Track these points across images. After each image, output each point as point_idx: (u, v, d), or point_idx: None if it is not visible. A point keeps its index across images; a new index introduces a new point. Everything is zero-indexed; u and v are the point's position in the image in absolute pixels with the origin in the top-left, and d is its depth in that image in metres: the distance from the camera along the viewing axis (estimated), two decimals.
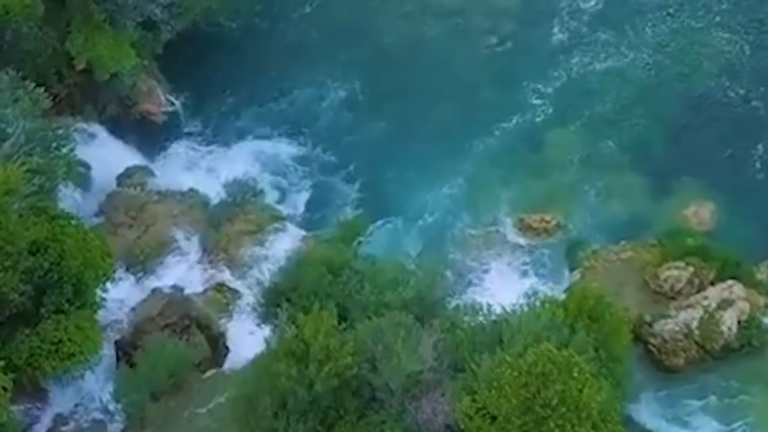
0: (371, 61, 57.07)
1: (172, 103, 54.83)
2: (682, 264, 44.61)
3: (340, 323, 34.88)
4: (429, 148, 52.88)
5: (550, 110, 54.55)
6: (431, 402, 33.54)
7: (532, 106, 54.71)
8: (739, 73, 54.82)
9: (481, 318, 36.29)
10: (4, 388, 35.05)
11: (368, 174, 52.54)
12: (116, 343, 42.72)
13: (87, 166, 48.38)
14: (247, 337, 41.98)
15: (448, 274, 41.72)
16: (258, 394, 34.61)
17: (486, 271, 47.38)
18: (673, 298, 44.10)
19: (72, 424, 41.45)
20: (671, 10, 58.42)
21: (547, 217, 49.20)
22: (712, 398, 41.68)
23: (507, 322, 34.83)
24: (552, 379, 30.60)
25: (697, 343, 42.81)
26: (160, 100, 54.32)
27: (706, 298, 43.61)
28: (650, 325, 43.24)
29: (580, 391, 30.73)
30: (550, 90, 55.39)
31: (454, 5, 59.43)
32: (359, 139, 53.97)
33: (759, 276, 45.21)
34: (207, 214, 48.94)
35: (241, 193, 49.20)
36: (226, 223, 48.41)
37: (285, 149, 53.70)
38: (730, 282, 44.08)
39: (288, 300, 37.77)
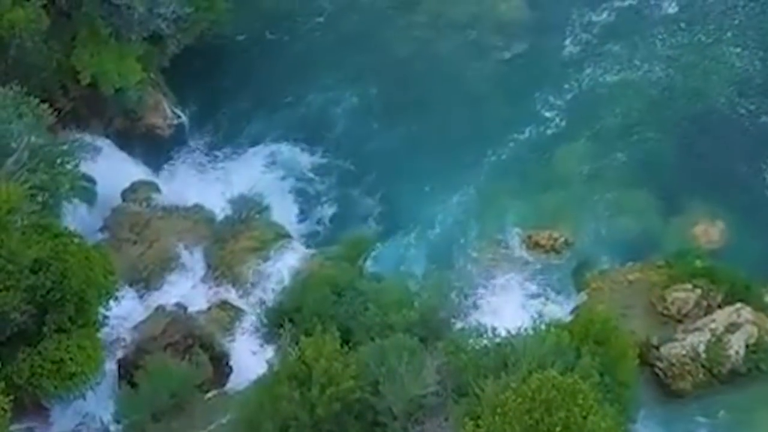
0: (381, 73, 56.69)
1: (179, 117, 54.54)
2: (689, 286, 44.21)
3: (343, 345, 34.53)
4: (439, 160, 52.50)
5: (562, 123, 54.27)
6: (434, 426, 33.25)
7: (544, 119, 54.42)
8: (750, 88, 54.41)
9: (485, 341, 35.78)
10: (4, 409, 34.75)
11: (375, 188, 52.18)
12: (118, 362, 42.43)
13: (92, 181, 47.89)
14: (250, 358, 41.68)
15: (453, 294, 41.22)
16: (260, 417, 34.27)
17: (492, 290, 46.93)
18: (680, 321, 43.71)
19: None
20: (683, 24, 58.03)
21: (556, 234, 48.86)
22: (719, 422, 41.27)
23: (512, 345, 34.38)
24: (556, 406, 30.07)
25: (704, 366, 42.37)
26: (167, 114, 54.03)
27: (713, 321, 43.19)
28: (657, 348, 42.85)
29: (585, 417, 30.17)
30: (561, 102, 55.09)
31: (465, 17, 59.08)
32: (367, 153, 53.56)
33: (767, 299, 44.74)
34: (212, 231, 48.55)
35: (247, 209, 48.71)
36: (231, 239, 47.94)
37: (292, 164, 53.33)
38: (738, 305, 43.64)
39: (291, 321, 37.50)
